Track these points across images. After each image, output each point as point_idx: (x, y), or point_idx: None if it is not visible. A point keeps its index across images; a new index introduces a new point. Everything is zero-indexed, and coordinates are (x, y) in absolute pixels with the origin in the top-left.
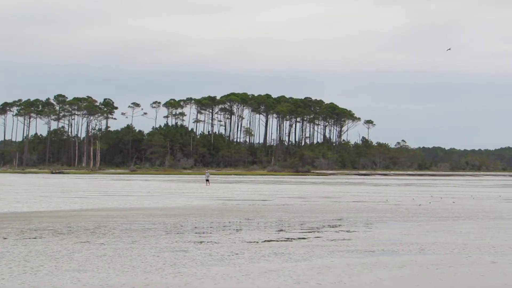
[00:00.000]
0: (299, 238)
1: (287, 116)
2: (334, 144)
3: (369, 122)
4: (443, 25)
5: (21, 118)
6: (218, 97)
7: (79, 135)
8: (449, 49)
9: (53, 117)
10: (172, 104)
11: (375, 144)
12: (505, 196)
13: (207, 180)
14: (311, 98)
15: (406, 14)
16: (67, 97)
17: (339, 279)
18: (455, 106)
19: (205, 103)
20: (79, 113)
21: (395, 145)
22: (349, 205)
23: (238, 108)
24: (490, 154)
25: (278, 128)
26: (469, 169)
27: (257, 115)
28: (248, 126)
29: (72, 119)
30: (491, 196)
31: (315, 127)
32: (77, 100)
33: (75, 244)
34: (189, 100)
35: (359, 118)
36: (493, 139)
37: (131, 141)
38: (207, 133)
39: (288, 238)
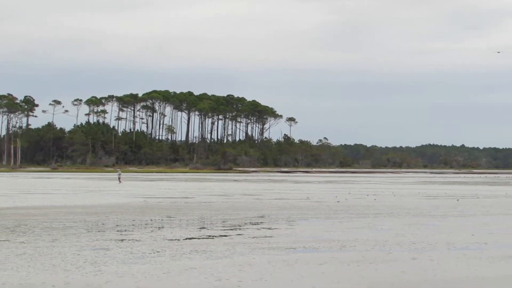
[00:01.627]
0: (221, 236)
1: (209, 114)
2: (256, 142)
3: (291, 119)
4: (363, 23)
5: None
6: (140, 95)
7: None
8: (499, 52)
9: None
10: (93, 101)
11: (297, 142)
12: (425, 193)
13: (118, 178)
14: (233, 96)
15: (327, 11)
16: None
17: (260, 276)
18: (376, 103)
19: (127, 101)
20: None
21: (317, 143)
22: (271, 202)
23: (160, 106)
24: (411, 151)
25: (200, 125)
26: (390, 166)
27: (179, 113)
28: (170, 123)
29: None
30: (411, 193)
31: (237, 125)
32: None
33: None
34: (110, 98)
35: (281, 116)
36: (414, 137)
37: (52, 139)
38: (129, 131)
39: (209, 236)
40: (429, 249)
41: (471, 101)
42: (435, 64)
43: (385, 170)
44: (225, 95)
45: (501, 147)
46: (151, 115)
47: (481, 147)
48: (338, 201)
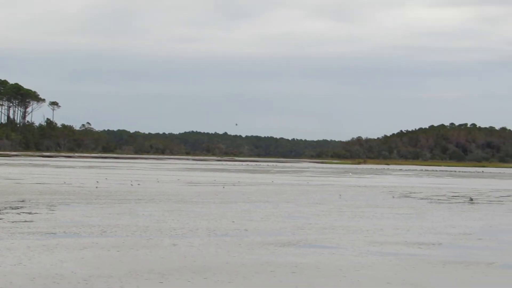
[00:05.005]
0: None
1: None
2: (18, 125)
3: (54, 103)
4: (129, 9)
5: None
6: None
7: None
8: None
9: None
10: None
11: (60, 126)
12: (188, 180)
13: None
14: None
15: None
16: None
17: (19, 261)
18: (140, 90)
19: None
20: None
21: (80, 127)
22: (32, 187)
23: None
24: (174, 138)
25: None
26: (153, 153)
27: None
28: None
29: None
30: (174, 179)
31: None
32: None
33: None
34: None
35: (44, 100)
36: (177, 123)
37: None
38: None
39: None
40: (190, 236)
41: (236, 90)
42: (201, 51)
43: (148, 156)
44: None
45: (262, 136)
46: None
47: (243, 135)
48: (98, 187)
